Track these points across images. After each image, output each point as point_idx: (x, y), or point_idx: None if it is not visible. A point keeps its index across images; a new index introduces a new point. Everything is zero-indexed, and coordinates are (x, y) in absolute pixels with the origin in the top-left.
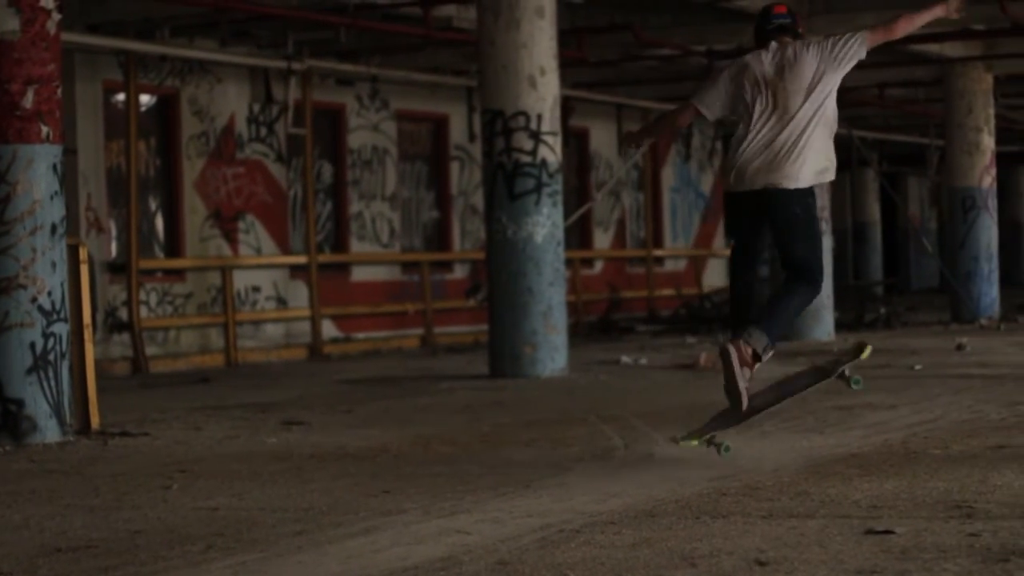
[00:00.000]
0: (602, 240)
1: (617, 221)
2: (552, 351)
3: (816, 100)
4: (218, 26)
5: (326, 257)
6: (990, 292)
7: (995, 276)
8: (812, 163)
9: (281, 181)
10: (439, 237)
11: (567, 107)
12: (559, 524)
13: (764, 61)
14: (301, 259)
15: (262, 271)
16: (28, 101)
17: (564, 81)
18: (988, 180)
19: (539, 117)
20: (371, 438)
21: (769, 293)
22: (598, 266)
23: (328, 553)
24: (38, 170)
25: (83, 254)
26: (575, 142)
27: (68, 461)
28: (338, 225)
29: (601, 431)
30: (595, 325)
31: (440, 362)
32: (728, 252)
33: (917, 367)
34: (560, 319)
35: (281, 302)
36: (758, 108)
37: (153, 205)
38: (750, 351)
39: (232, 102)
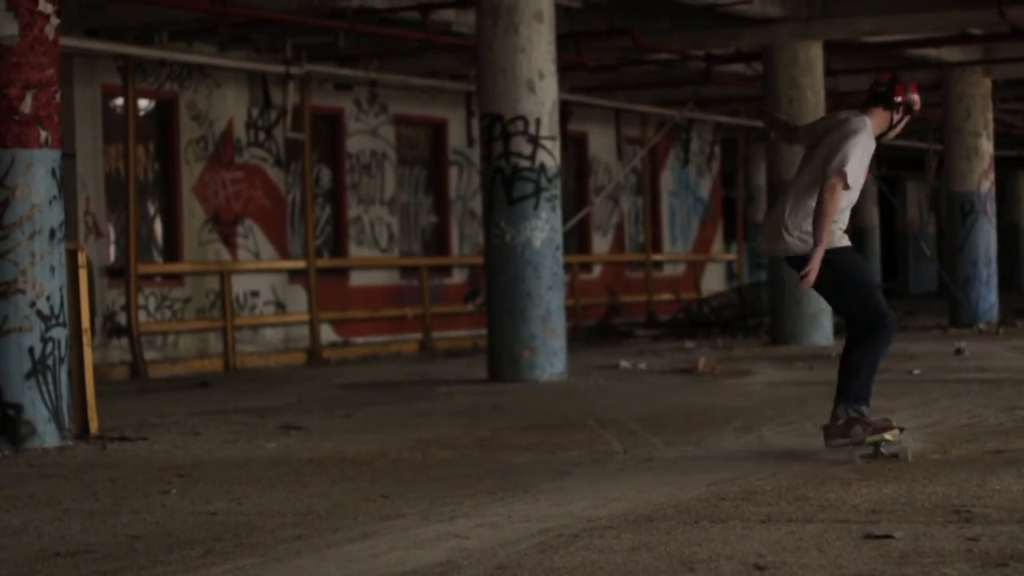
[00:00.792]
0: (601, 244)
1: (616, 225)
2: (551, 355)
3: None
4: (217, 30)
5: (325, 262)
6: (989, 296)
7: (994, 280)
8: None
9: (280, 185)
10: (438, 241)
11: (566, 111)
12: (558, 529)
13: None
14: (300, 263)
15: (261, 275)
16: (27, 106)
17: (563, 85)
18: (987, 184)
19: (538, 121)
20: (370, 443)
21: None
22: (597, 270)
23: (327, 558)
24: (37, 174)
25: (82, 258)
26: (574, 146)
27: (67, 466)
28: (337, 229)
29: (600, 435)
30: (594, 329)
31: (439, 366)
32: (731, 256)
33: (916, 372)
34: (559, 323)
35: (280, 307)
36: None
37: (152, 209)
38: (837, 426)
39: (231, 106)
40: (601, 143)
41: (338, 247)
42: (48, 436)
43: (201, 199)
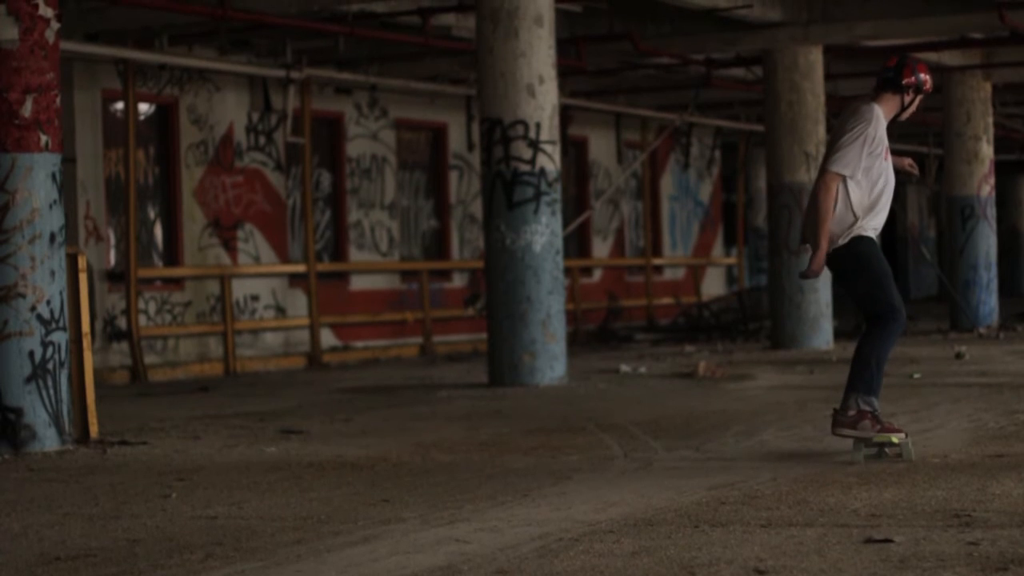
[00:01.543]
0: (601, 249)
1: (616, 230)
2: (551, 360)
3: None
4: (217, 35)
5: (325, 266)
6: (989, 301)
7: (994, 285)
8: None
9: (280, 190)
10: (438, 246)
11: (566, 116)
12: (558, 533)
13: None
14: (300, 268)
15: (261, 280)
16: (27, 110)
17: (563, 90)
18: (987, 189)
19: (538, 126)
20: (370, 447)
21: None
22: (597, 274)
23: (327, 562)
24: (37, 179)
25: (82, 263)
26: (574, 151)
27: (67, 470)
28: (337, 234)
29: (600, 440)
30: (594, 334)
31: (439, 371)
32: (732, 260)
33: (916, 376)
34: (559, 328)
35: (280, 311)
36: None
37: (152, 214)
38: (847, 415)
39: (231, 111)
40: (601, 147)
41: (338, 251)
42: (48, 440)
43: (201, 203)
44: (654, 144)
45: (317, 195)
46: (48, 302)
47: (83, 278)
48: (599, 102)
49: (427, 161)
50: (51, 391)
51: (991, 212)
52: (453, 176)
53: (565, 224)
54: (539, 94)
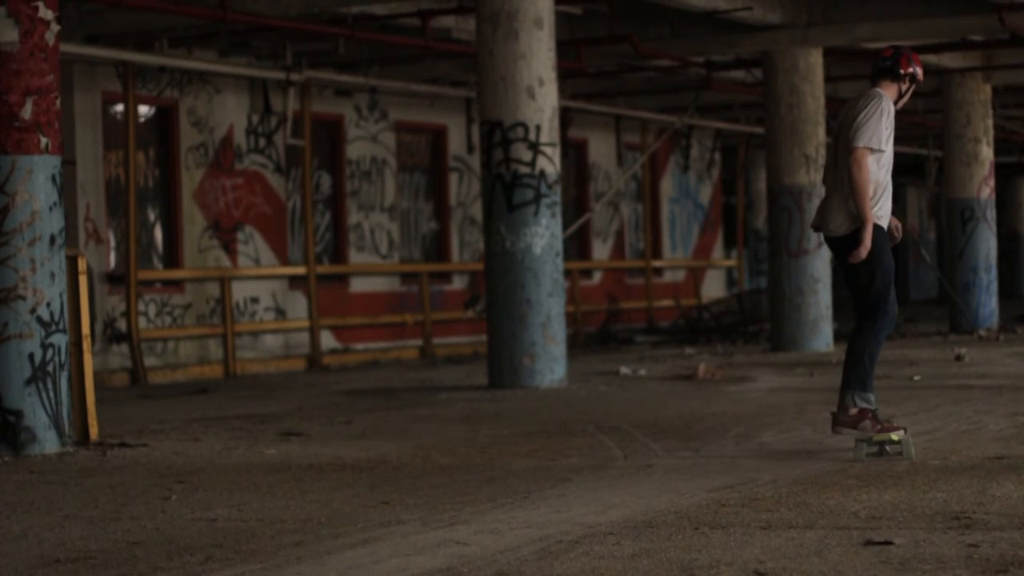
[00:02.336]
0: (601, 251)
1: (616, 232)
2: (551, 362)
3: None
4: (217, 37)
5: (325, 268)
6: (989, 303)
7: (994, 287)
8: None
9: (280, 192)
10: (438, 248)
11: (566, 118)
12: (558, 535)
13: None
14: (300, 270)
15: (261, 282)
16: (27, 112)
17: (563, 92)
18: (987, 191)
19: (538, 128)
20: (370, 449)
21: None
22: (597, 277)
23: (327, 564)
24: (37, 181)
25: (82, 265)
26: (574, 153)
27: (67, 472)
28: (337, 236)
29: (600, 442)
30: (594, 336)
31: (439, 373)
32: (732, 263)
33: (916, 378)
34: (559, 330)
35: (280, 313)
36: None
37: (152, 216)
38: (847, 414)
39: (231, 113)
40: (601, 149)
41: (338, 253)
42: (48, 442)
43: (201, 205)
44: (654, 146)
45: (317, 197)
46: (48, 304)
47: (83, 280)
48: (599, 104)
49: (427, 163)
50: (51, 393)
51: (991, 214)
52: (453, 178)
53: (565, 226)
54: (539, 96)
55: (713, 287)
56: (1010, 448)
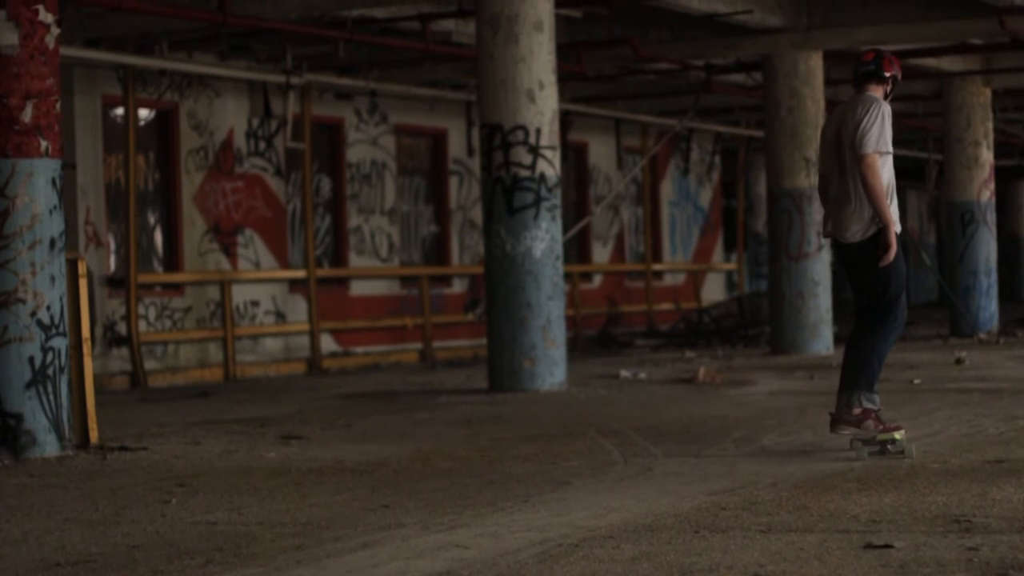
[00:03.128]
0: (601, 254)
1: (616, 235)
2: (551, 365)
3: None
4: (217, 40)
5: (325, 271)
6: (989, 306)
7: (994, 290)
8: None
9: (280, 195)
10: (438, 251)
11: (566, 121)
12: (558, 538)
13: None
14: (300, 273)
15: (261, 285)
16: (27, 115)
17: (563, 95)
18: (987, 194)
19: (538, 131)
20: (370, 452)
21: None
22: (597, 280)
23: (327, 568)
24: (37, 184)
25: (82, 268)
26: (574, 156)
27: (67, 475)
28: (337, 239)
29: (600, 445)
30: (594, 339)
31: (439, 376)
32: (732, 266)
33: (916, 381)
34: (559, 333)
35: (280, 316)
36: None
37: (152, 219)
38: (851, 413)
39: (231, 116)
40: (601, 153)
41: (338, 257)
42: (48, 446)
43: (201, 209)
44: (654, 149)
45: (317, 200)
46: (48, 307)
47: (83, 283)
48: (599, 107)
49: (427, 167)
50: (51, 397)
51: (991, 218)
52: (453, 182)
53: (565, 229)
54: (539, 99)
55: (713, 290)
56: (1010, 451)
